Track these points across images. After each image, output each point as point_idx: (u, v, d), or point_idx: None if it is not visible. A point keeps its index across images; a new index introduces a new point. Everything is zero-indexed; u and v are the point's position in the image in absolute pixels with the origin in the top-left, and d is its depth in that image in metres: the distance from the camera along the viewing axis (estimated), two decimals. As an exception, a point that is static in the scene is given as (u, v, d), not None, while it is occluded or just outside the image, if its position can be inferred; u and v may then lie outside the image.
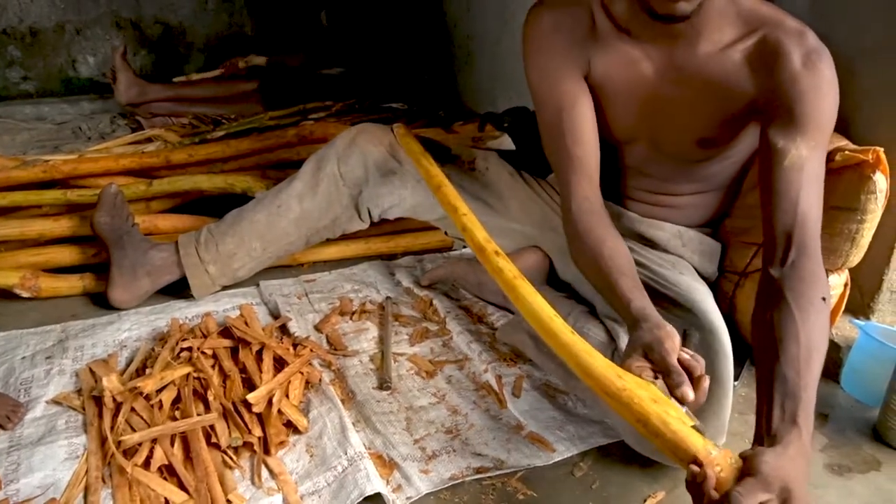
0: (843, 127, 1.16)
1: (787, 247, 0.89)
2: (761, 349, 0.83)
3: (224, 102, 2.66)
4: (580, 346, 0.83)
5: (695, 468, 0.69)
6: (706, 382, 0.78)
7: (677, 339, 0.81)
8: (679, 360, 0.78)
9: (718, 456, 0.69)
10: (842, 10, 1.17)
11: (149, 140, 2.31)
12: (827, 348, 0.82)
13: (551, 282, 1.37)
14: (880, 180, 1.06)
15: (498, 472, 0.96)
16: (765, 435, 0.74)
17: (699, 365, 0.78)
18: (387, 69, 2.74)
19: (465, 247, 1.65)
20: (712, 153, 1.08)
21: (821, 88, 0.92)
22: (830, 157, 1.10)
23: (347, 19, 2.70)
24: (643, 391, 0.76)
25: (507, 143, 1.79)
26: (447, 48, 2.83)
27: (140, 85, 2.61)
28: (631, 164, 1.16)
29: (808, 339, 0.79)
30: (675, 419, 0.73)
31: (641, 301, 0.90)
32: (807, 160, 0.91)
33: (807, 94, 0.92)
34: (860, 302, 1.23)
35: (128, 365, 1.18)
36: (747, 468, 0.68)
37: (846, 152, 1.09)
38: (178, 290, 1.39)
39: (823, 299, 0.84)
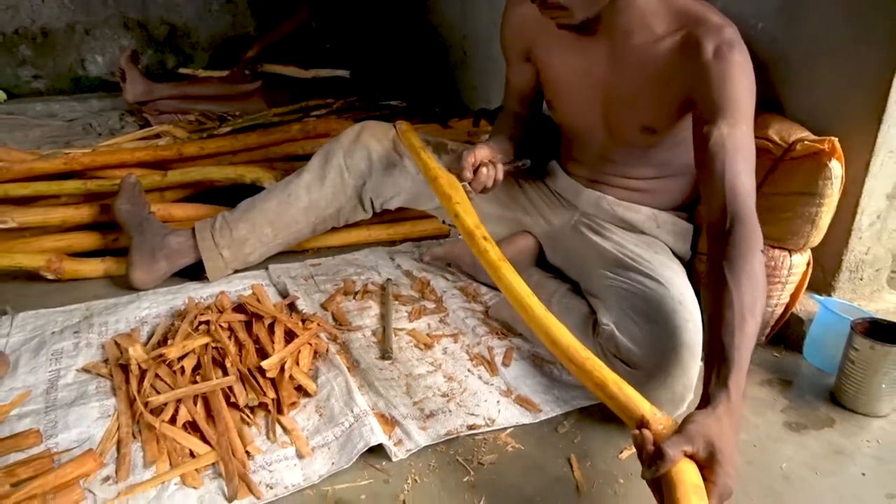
0: (804, 119, 1.27)
1: (723, 218, 0.97)
2: (708, 318, 0.93)
3: (228, 100, 2.75)
4: (551, 320, 0.95)
5: (636, 432, 0.80)
6: (484, 169, 1.22)
7: (481, 151, 1.23)
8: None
9: (661, 417, 0.81)
10: (806, 15, 1.27)
11: (157, 136, 2.41)
12: (763, 305, 0.90)
13: (541, 264, 1.48)
14: (836, 167, 1.17)
15: (489, 429, 1.07)
16: (703, 399, 0.83)
17: (488, 163, 1.22)
18: (386, 69, 2.84)
19: (460, 235, 1.75)
20: (656, 140, 1.20)
21: (731, 74, 1.03)
22: (792, 146, 1.21)
23: (347, 22, 2.80)
24: (601, 366, 0.87)
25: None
26: (443, 48, 2.93)
27: (147, 84, 2.71)
28: (596, 150, 1.29)
29: (741, 305, 0.87)
30: (628, 385, 0.85)
31: (492, 141, 1.30)
32: (728, 137, 1.00)
33: (718, 80, 1.03)
34: (823, 280, 1.33)
35: (149, 338, 1.28)
36: (680, 427, 0.78)
37: (806, 142, 1.20)
38: (192, 273, 1.49)
39: (763, 252, 0.94)
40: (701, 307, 1.07)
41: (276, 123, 2.28)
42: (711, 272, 0.95)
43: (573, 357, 0.90)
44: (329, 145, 1.49)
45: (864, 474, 1.00)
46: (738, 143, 1.01)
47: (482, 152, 1.23)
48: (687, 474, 0.73)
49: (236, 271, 1.52)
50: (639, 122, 1.18)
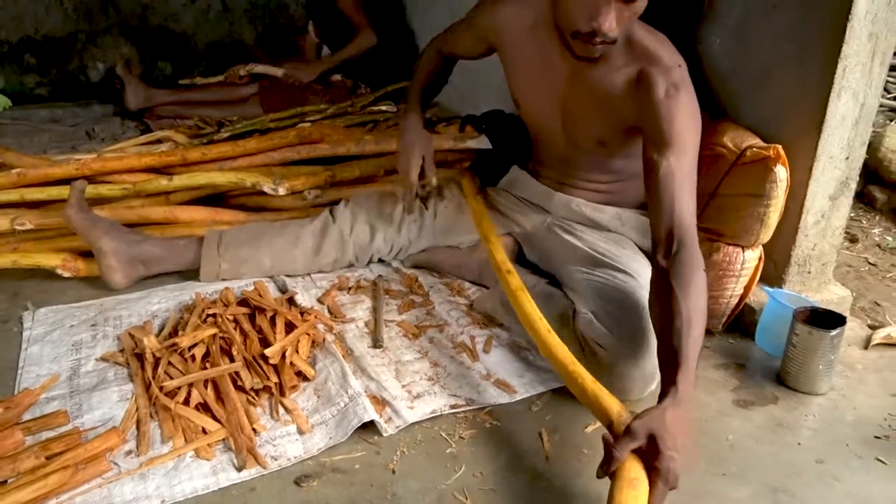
0: (757, 127, 1.40)
1: (670, 242, 1.10)
2: (657, 327, 1.06)
3: (226, 105, 2.86)
4: (558, 343, 1.10)
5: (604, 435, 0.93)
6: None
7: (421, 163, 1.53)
8: None
9: (627, 417, 0.93)
10: (757, 34, 1.40)
11: (158, 141, 2.51)
12: (706, 314, 1.04)
13: (520, 261, 1.61)
14: (781, 171, 1.30)
15: (469, 408, 1.20)
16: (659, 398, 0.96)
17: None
18: (378, 76, 2.96)
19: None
20: (607, 152, 1.35)
21: (679, 113, 1.15)
22: (743, 153, 1.35)
23: (342, 31, 2.90)
24: (588, 377, 1.03)
25: (484, 142, 2.02)
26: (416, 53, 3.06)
27: (147, 90, 2.82)
28: (559, 153, 1.44)
29: (688, 312, 1.00)
30: (605, 391, 0.99)
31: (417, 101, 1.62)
32: (676, 169, 1.13)
33: (668, 117, 1.15)
34: (775, 274, 1.46)
35: (160, 331, 1.40)
36: (627, 427, 0.89)
37: (754, 149, 1.33)
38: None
39: (704, 272, 1.07)
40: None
41: (273, 129, 2.39)
42: (659, 287, 1.08)
43: (566, 369, 1.06)
44: (337, 210, 1.64)
45: (799, 443, 1.14)
46: (684, 173, 1.13)
47: (420, 164, 1.54)
48: (626, 470, 0.87)
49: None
50: (592, 136, 1.33)
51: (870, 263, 2.04)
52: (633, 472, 0.87)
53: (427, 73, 1.67)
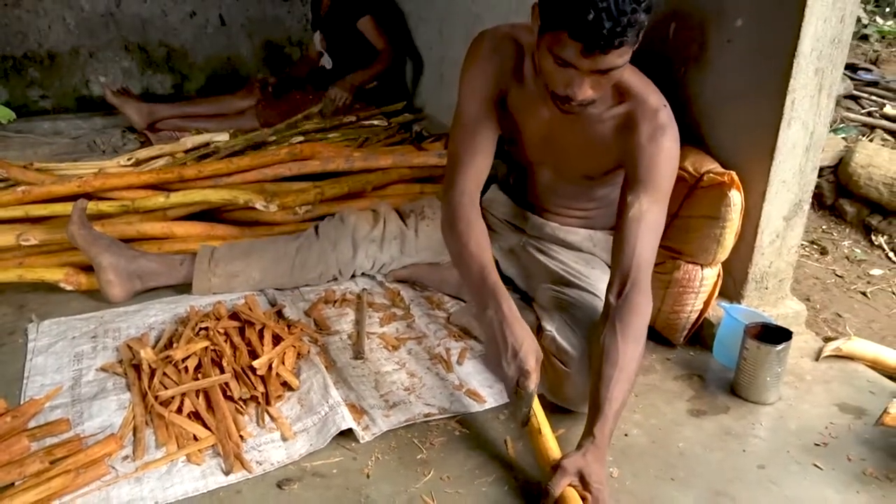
0: (718, 152, 1.49)
1: (624, 282, 1.18)
2: (594, 364, 1.16)
3: (223, 118, 2.95)
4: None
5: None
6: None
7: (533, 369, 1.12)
8: None
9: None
10: (716, 66, 1.48)
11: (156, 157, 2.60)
12: (639, 364, 1.15)
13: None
14: (735, 196, 1.39)
15: (441, 416, 1.29)
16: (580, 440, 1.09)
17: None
18: (371, 89, 3.05)
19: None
20: (596, 184, 1.42)
21: (660, 158, 1.21)
22: (701, 177, 1.44)
23: (352, 46, 2.99)
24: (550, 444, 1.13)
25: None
26: (422, 70, 3.15)
27: (149, 107, 2.91)
28: (544, 183, 1.49)
29: (622, 362, 1.10)
30: (555, 449, 1.12)
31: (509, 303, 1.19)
32: (646, 213, 1.19)
33: (648, 161, 1.21)
34: (734, 290, 1.56)
35: (157, 342, 1.50)
36: (557, 466, 1.04)
37: (711, 174, 1.42)
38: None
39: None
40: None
41: (271, 142, 2.50)
42: (604, 326, 1.17)
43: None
44: (324, 226, 1.72)
45: (744, 450, 1.23)
46: (652, 219, 1.20)
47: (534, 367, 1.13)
48: (571, 500, 1.02)
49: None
50: (581, 172, 1.40)
51: (837, 275, 2.14)
52: (578, 501, 1.03)
53: (478, 233, 1.29)
